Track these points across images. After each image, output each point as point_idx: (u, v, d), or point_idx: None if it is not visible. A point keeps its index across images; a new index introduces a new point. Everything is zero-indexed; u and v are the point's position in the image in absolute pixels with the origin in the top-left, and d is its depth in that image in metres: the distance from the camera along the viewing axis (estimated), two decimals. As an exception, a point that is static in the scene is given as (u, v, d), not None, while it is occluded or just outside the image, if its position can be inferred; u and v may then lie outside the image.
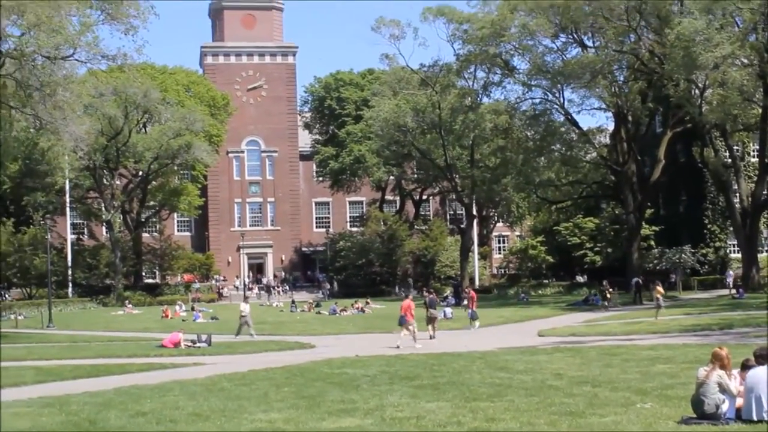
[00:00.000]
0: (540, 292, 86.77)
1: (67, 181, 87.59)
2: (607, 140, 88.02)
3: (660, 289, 51.20)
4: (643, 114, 79.12)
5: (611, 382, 22.94)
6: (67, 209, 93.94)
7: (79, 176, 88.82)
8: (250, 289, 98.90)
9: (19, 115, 56.02)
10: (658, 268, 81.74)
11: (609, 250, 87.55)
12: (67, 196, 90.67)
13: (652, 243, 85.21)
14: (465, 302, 56.30)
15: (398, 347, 35.59)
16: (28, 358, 34.77)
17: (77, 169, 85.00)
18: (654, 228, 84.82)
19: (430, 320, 41.97)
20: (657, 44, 69.00)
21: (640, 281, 67.98)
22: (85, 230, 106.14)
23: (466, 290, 61.81)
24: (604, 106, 79.92)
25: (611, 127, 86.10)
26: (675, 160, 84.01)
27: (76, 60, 47.84)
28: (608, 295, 60.18)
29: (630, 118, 79.43)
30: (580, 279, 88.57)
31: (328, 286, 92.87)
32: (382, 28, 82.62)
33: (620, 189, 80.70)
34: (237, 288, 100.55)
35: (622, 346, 32.92)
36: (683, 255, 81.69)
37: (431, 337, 40.61)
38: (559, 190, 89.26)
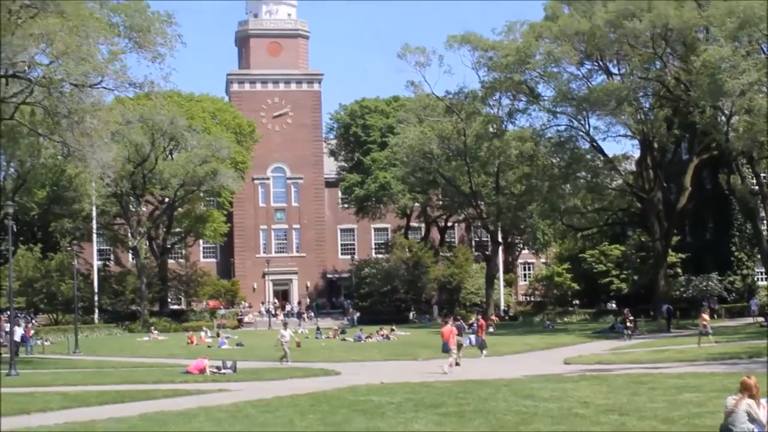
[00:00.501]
0: (566, 319, 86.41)
1: (94, 208, 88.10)
2: (633, 167, 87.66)
3: (705, 316, 51.15)
4: (669, 141, 78.92)
5: (638, 410, 22.80)
6: (94, 236, 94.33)
7: (106, 203, 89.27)
8: (275, 315, 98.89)
9: (48, 142, 56.43)
10: (685, 295, 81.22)
11: (635, 277, 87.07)
12: (94, 222, 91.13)
13: (679, 270, 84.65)
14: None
15: (458, 364, 38.89)
16: (54, 384, 34.92)
17: (104, 195, 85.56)
18: (680, 255, 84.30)
19: (457, 347, 41.94)
20: (683, 71, 68.84)
21: (672, 308, 67.62)
22: (112, 256, 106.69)
23: (491, 318, 61.61)
24: (629, 133, 79.68)
25: (637, 154, 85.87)
26: (701, 187, 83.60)
27: (104, 88, 48.05)
28: (629, 323, 59.78)
29: (656, 145, 79.18)
30: (612, 306, 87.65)
31: (356, 313, 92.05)
32: (407, 55, 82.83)
33: (646, 216, 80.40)
34: (261, 314, 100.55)
35: (649, 375, 32.74)
36: (710, 282, 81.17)
37: (457, 364, 40.58)
38: (584, 217, 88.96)
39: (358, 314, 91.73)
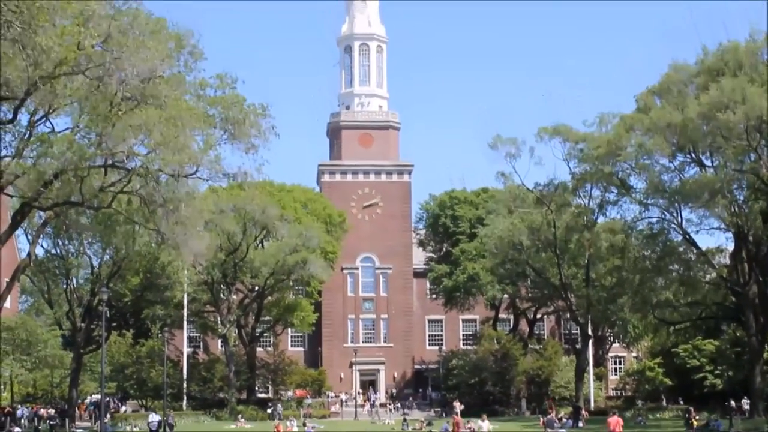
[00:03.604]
0: (658, 415, 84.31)
1: (185, 295, 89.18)
2: (728, 260, 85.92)
3: None
4: (764, 234, 77.17)
5: None
6: (185, 323, 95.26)
7: (197, 290, 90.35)
8: (362, 406, 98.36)
9: (143, 230, 57.49)
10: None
11: (730, 373, 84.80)
12: (185, 309, 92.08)
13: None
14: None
15: None
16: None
17: (195, 283, 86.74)
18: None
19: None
20: (778, 163, 67.75)
21: None
22: (201, 344, 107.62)
23: (582, 412, 60.39)
24: (723, 225, 78.18)
25: (731, 247, 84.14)
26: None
27: (199, 177, 48.85)
28: (694, 423, 57.76)
29: (751, 238, 77.54)
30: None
31: (461, 406, 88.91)
32: (498, 146, 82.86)
33: (741, 310, 78.45)
34: (345, 403, 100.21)
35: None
36: (809, 380, 78.59)
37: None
38: (677, 311, 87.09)
39: (462, 407, 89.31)
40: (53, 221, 61.62)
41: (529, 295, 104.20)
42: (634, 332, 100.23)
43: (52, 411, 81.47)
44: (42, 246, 79.16)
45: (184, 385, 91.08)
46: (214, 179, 50.83)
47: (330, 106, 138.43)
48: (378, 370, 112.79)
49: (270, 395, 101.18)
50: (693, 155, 76.14)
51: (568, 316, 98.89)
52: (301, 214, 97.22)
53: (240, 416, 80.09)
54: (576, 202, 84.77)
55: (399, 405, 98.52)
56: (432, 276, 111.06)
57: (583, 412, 78.91)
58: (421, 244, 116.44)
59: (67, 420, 75.94)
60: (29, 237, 74.27)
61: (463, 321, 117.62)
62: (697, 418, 59.13)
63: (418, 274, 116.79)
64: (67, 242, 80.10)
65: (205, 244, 53.98)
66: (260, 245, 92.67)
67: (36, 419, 78.83)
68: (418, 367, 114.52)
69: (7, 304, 67.35)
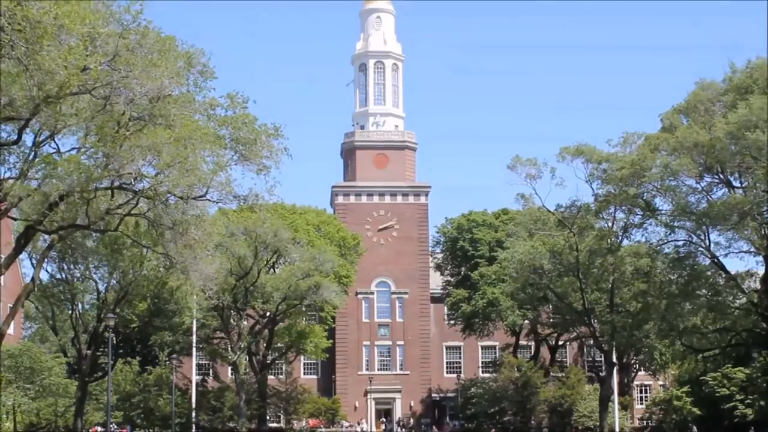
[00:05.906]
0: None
1: (194, 321, 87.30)
2: (758, 285, 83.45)
3: None
4: (796, 259, 75.00)
5: None
6: (194, 349, 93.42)
7: (207, 316, 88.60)
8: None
9: (150, 253, 56.25)
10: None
11: (761, 402, 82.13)
12: (194, 336, 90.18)
13: (809, 396, 79.82)
14: None
15: None
16: None
17: (205, 308, 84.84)
18: (811, 380, 79.60)
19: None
20: (811, 183, 65.51)
21: None
22: (210, 371, 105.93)
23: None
24: (753, 249, 75.78)
25: (761, 271, 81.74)
26: (832, 307, 78.94)
27: (208, 200, 47.57)
28: None
29: (782, 261, 75.35)
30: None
31: None
32: (518, 167, 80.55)
33: (773, 337, 76.13)
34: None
35: None
36: None
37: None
38: (705, 337, 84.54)
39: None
40: (58, 245, 60.45)
41: (551, 320, 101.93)
42: (660, 359, 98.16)
43: None
44: (46, 270, 78.17)
45: (193, 414, 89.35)
46: (225, 201, 49.66)
47: (344, 126, 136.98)
48: (394, 399, 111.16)
49: (282, 425, 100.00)
50: (721, 176, 73.78)
51: (592, 342, 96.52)
52: (314, 237, 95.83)
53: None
54: (599, 225, 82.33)
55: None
56: (450, 301, 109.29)
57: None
58: (439, 267, 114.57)
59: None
60: (33, 261, 73.57)
61: (482, 348, 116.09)
62: None
63: (435, 299, 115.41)
64: (72, 266, 78.36)
65: (214, 268, 53.67)
66: (272, 269, 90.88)
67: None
68: (436, 395, 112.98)
69: (11, 330, 65.69)
